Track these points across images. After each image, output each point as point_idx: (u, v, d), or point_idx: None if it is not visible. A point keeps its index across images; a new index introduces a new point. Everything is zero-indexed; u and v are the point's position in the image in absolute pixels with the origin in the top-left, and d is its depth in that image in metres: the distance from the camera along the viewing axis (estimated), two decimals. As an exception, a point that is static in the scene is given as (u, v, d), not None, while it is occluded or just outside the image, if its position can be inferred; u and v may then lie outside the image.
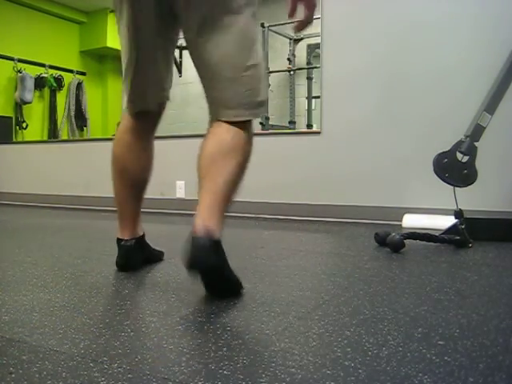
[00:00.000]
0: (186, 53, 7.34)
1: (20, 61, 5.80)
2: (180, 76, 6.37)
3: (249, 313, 1.09)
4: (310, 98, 5.44)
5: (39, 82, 6.01)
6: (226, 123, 1.34)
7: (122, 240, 1.53)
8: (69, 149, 4.56)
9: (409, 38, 2.92)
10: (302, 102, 5.35)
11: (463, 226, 2.06)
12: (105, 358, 0.82)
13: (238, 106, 1.34)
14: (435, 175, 2.18)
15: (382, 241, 2.05)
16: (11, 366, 0.79)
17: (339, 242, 2.25)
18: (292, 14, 1.58)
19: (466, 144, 2.17)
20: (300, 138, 2.68)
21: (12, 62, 5.75)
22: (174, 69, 4.96)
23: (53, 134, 6.20)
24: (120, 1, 1.41)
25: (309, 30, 5.16)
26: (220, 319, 1.04)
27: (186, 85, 6.39)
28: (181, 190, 3.63)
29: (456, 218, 2.10)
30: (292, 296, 1.25)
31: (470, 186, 2.18)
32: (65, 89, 6.33)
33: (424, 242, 2.08)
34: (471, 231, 2.10)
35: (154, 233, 2.22)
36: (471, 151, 2.18)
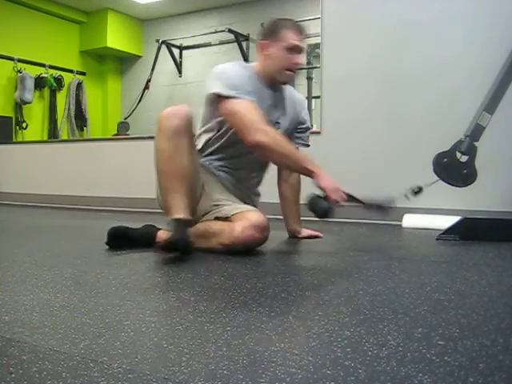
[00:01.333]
0: (186, 53, 7.34)
1: (20, 61, 5.80)
2: (180, 76, 6.39)
3: (249, 313, 1.09)
4: (310, 97, 5.44)
5: (39, 82, 6.01)
6: None
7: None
8: (69, 149, 4.56)
9: (409, 38, 2.92)
10: (301, 102, 5.35)
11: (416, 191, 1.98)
12: (105, 358, 0.82)
13: None
14: (435, 175, 2.18)
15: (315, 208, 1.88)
16: (11, 366, 0.79)
17: (339, 241, 2.26)
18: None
19: (466, 144, 2.18)
20: (300, 137, 2.70)
21: (12, 62, 5.75)
22: (174, 70, 5.05)
23: (53, 134, 6.20)
24: None
25: (309, 30, 5.15)
26: (220, 319, 1.04)
27: (186, 85, 6.41)
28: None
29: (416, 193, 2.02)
30: (292, 296, 1.25)
31: (470, 186, 2.18)
32: (65, 89, 6.33)
33: (424, 242, 2.08)
34: (471, 231, 2.10)
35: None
36: (471, 151, 2.18)
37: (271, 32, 1.95)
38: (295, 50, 1.91)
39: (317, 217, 1.83)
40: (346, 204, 1.85)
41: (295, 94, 2.17)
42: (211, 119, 1.97)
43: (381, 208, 1.95)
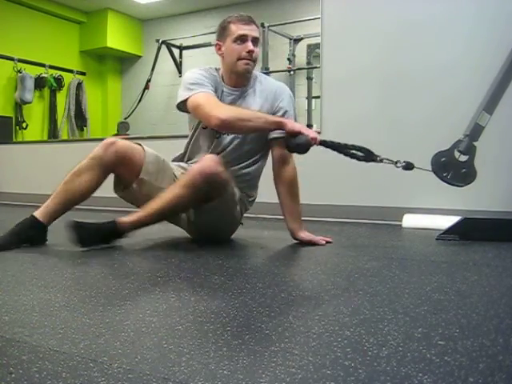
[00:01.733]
0: (186, 53, 7.31)
1: (20, 61, 5.79)
2: (180, 76, 6.39)
3: (249, 313, 1.09)
4: (310, 97, 5.44)
5: (39, 82, 6.01)
6: None
7: None
8: (69, 149, 4.55)
9: (409, 38, 2.92)
10: (301, 102, 5.35)
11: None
12: (105, 358, 0.82)
13: None
14: (434, 174, 2.18)
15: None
16: (11, 366, 0.79)
17: (339, 241, 2.25)
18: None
19: (465, 143, 2.18)
20: (300, 137, 2.70)
21: (12, 62, 5.74)
22: (174, 70, 5.08)
23: (53, 134, 6.19)
24: None
25: (309, 30, 5.18)
26: (220, 319, 1.04)
27: (186, 85, 6.40)
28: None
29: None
30: (292, 296, 1.25)
31: (470, 186, 2.18)
32: (65, 89, 6.33)
33: (424, 242, 2.08)
34: (471, 231, 2.09)
35: (152, 234, 2.21)
36: (470, 150, 2.18)
37: (220, 32, 2.02)
38: (243, 39, 1.95)
39: (292, 147, 1.86)
40: (324, 146, 1.94)
41: (270, 84, 2.11)
42: (189, 129, 2.16)
43: (360, 150, 1.95)
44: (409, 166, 1.93)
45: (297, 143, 1.84)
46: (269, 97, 2.06)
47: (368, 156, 1.93)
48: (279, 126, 1.88)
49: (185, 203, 1.85)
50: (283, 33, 5.49)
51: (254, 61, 2.00)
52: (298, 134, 1.86)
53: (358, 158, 1.94)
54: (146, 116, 6.52)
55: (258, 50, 2.01)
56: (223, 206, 1.93)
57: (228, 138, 2.04)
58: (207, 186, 1.80)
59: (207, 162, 1.83)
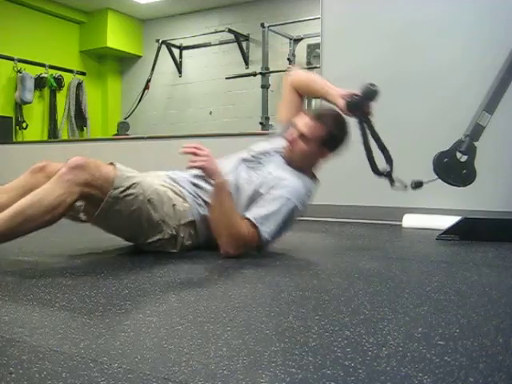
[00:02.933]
0: (186, 53, 7.31)
1: (20, 61, 5.80)
2: (180, 76, 6.39)
3: (249, 313, 1.09)
4: (310, 98, 5.44)
5: (39, 82, 6.01)
6: None
7: None
8: (69, 149, 4.55)
9: (409, 38, 2.92)
10: (301, 102, 5.35)
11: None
12: (105, 358, 0.82)
13: None
14: (435, 174, 2.18)
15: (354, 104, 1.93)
16: (11, 366, 0.79)
17: (339, 241, 2.26)
18: None
19: (466, 143, 2.18)
20: (300, 137, 2.70)
21: (12, 62, 5.75)
22: (174, 70, 5.13)
23: (53, 134, 6.20)
24: None
25: (309, 30, 5.18)
26: (220, 319, 1.04)
27: (186, 85, 6.41)
28: (181, 190, 3.62)
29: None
30: (292, 296, 1.25)
31: (470, 186, 2.18)
32: (65, 89, 6.33)
33: (424, 242, 2.08)
34: (471, 231, 2.09)
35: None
36: (470, 151, 2.18)
37: None
38: (294, 126, 1.89)
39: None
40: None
41: (278, 172, 1.90)
42: None
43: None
44: (418, 185, 1.97)
45: (371, 90, 1.88)
46: (268, 177, 1.87)
47: (385, 171, 1.93)
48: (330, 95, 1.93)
49: (53, 200, 1.53)
50: (283, 33, 5.49)
51: (291, 151, 1.89)
52: (350, 95, 1.87)
53: (373, 168, 1.95)
54: (146, 116, 6.52)
55: (303, 147, 1.87)
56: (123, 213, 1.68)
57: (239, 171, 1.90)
58: (76, 179, 1.57)
59: (75, 157, 1.64)
